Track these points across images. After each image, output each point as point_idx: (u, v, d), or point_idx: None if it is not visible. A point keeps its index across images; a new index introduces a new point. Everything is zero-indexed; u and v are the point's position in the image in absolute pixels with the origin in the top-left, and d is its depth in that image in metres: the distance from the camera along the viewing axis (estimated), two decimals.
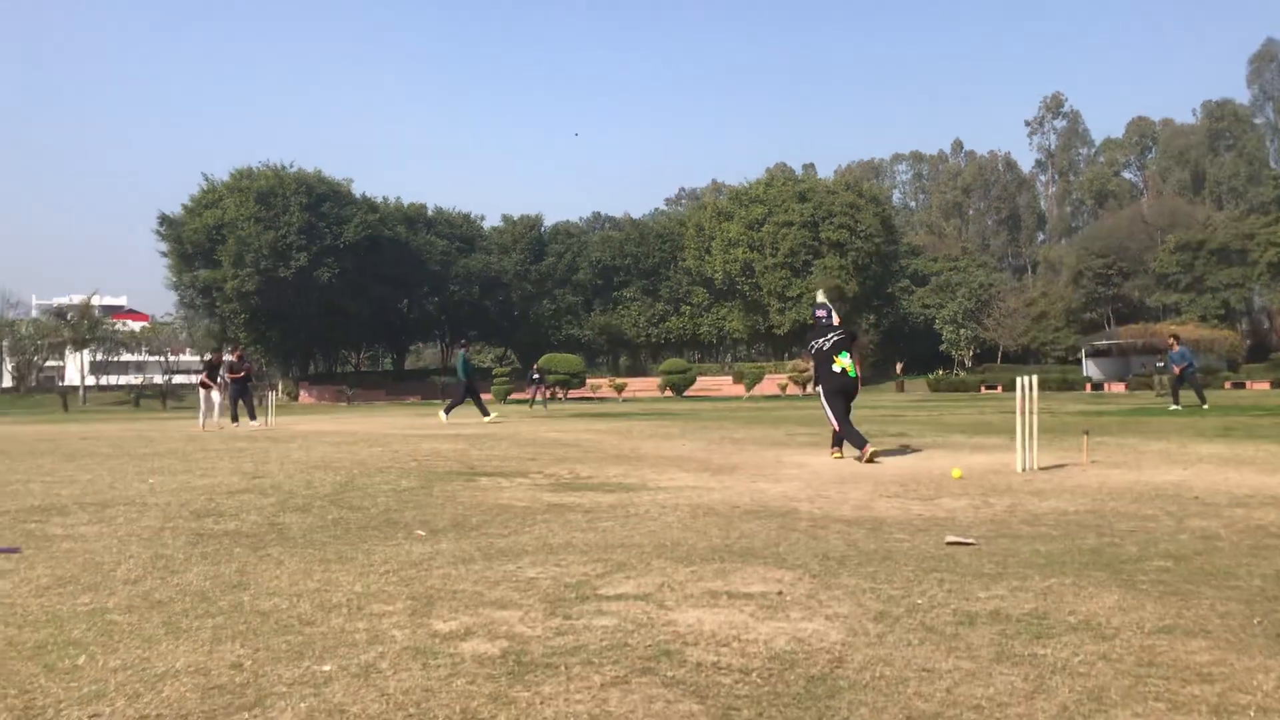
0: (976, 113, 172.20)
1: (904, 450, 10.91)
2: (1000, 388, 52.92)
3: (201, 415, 21.02)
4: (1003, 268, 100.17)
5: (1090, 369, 63.84)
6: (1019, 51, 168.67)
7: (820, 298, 11.15)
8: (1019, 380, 8.76)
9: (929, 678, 2.72)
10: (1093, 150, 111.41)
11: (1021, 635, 3.14)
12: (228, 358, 22.04)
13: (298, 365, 73.68)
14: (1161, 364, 34.32)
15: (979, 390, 54.72)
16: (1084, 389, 53.50)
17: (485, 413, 22.04)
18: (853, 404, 10.39)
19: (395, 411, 35.11)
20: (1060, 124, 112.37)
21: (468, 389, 22.09)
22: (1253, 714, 2.41)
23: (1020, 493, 6.90)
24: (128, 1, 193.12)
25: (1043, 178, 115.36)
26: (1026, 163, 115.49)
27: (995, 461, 9.26)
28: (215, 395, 21.27)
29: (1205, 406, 21.24)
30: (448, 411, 21.76)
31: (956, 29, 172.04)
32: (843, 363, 10.13)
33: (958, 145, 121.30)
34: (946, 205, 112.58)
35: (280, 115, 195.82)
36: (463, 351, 23.57)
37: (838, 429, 10.02)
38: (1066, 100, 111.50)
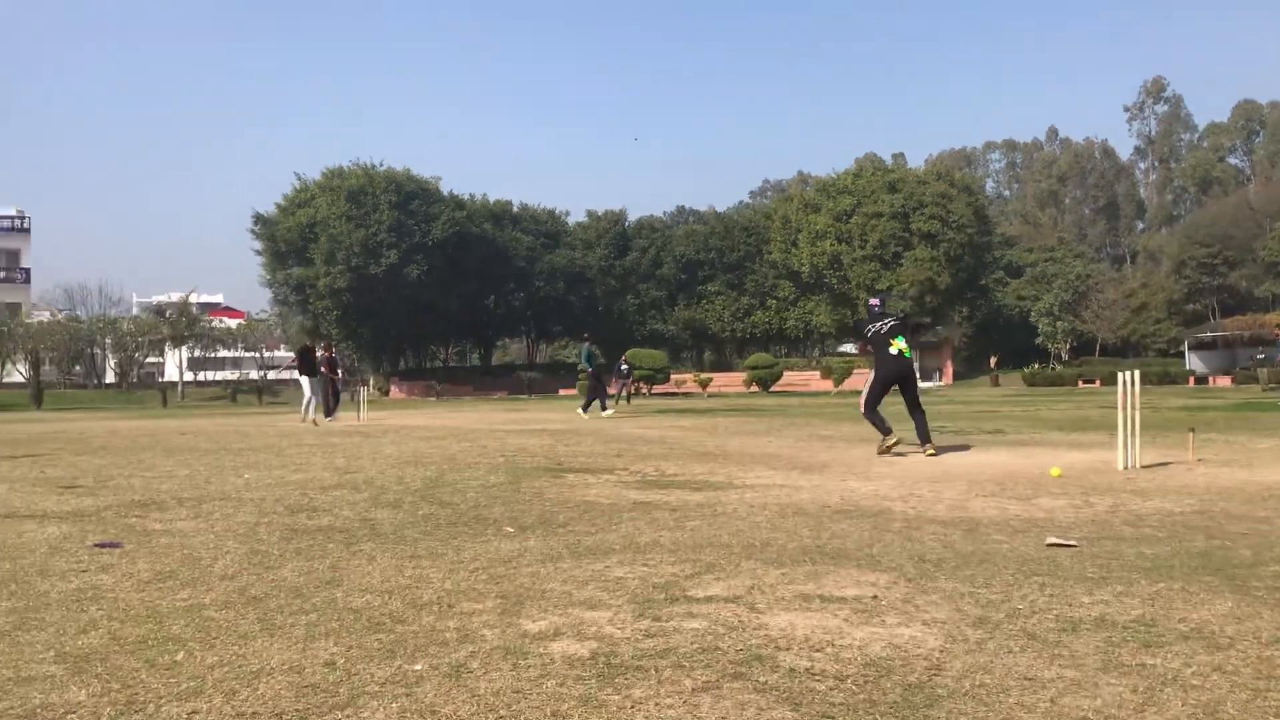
0: (1071, 99, 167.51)
1: (955, 447, 10.66)
2: (1099, 381, 51.48)
3: (304, 406, 21.06)
4: (1100, 258, 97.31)
5: (1193, 362, 61.70)
6: (1118, 34, 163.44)
7: (873, 299, 11.37)
8: (1120, 375, 8.51)
9: (1031, 687, 2.63)
10: (1196, 135, 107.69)
11: (1129, 643, 3.03)
12: (319, 353, 22.45)
13: (388, 361, 74.99)
14: (1263, 354, 32.97)
15: (1076, 384, 53.33)
16: (1187, 383, 51.79)
17: (587, 407, 22.08)
18: (919, 393, 10.82)
19: (483, 406, 35.57)
20: (1162, 109, 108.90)
21: (595, 377, 22.58)
22: None
23: (1122, 492, 6.68)
24: (223, 7, 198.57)
25: (1142, 165, 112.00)
26: (1124, 150, 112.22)
27: (1095, 459, 9.00)
28: (314, 386, 21.36)
29: None
30: (604, 404, 22.24)
31: (1050, 11, 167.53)
32: (899, 345, 10.43)
33: (1052, 133, 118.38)
34: (1041, 194, 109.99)
35: (370, 116, 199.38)
36: (586, 345, 24.84)
37: (864, 415, 10.52)
38: (1169, 85, 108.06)
